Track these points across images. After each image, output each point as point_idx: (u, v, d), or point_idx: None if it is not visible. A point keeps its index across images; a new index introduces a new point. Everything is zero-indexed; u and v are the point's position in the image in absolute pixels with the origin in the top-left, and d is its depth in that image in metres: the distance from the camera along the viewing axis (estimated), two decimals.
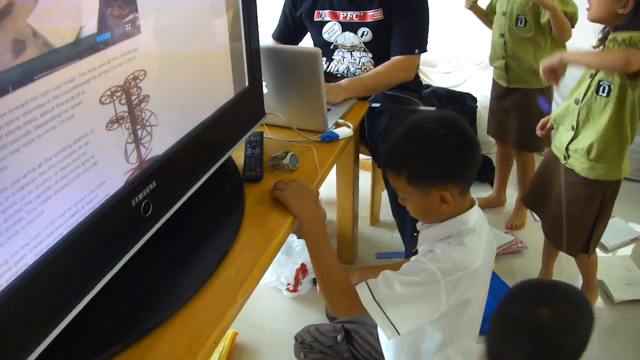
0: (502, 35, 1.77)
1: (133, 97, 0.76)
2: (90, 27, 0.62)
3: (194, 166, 0.94)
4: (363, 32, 1.56)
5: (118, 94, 0.72)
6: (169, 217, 0.86)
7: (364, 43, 1.58)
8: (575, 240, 1.43)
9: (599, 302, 1.65)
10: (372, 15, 1.52)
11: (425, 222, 0.98)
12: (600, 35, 1.30)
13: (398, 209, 1.58)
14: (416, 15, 1.51)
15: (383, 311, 0.92)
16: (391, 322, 0.92)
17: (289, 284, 1.59)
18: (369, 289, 0.93)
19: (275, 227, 0.95)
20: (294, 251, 1.67)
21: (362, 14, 1.54)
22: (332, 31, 1.60)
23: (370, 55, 1.59)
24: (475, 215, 0.95)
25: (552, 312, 0.71)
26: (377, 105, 1.55)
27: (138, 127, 0.78)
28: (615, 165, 1.33)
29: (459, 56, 2.88)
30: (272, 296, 1.67)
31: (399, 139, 0.94)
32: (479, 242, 0.94)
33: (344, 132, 1.28)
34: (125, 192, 0.76)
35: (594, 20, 1.27)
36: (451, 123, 0.91)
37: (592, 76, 1.30)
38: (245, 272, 0.84)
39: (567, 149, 1.38)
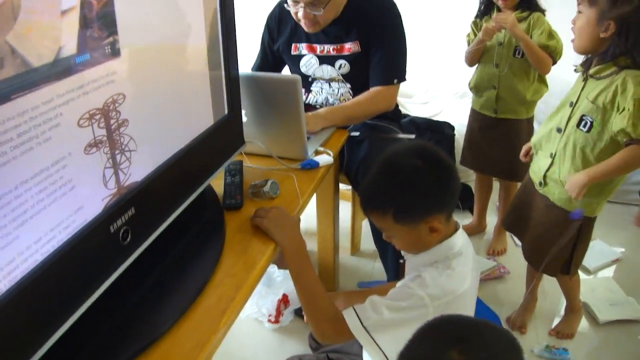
0: (497, 66, 1.77)
1: (112, 121, 0.75)
2: (70, 47, 0.62)
3: (173, 193, 0.93)
4: (340, 64, 1.59)
5: (97, 117, 0.71)
6: (149, 245, 0.84)
7: (341, 75, 1.61)
8: (554, 261, 1.44)
9: (583, 324, 1.66)
10: (349, 48, 1.56)
11: (413, 252, 0.98)
12: (581, 62, 1.32)
13: (379, 238, 1.57)
14: (394, 45, 1.54)
15: (371, 337, 0.90)
16: (379, 348, 0.91)
17: (270, 315, 1.55)
18: (357, 314, 0.92)
19: (257, 255, 0.94)
20: (275, 282, 1.65)
21: (339, 47, 1.57)
22: (309, 64, 1.63)
23: (348, 86, 1.62)
24: (460, 238, 0.96)
25: (464, 357, 0.58)
26: (357, 134, 1.57)
27: (117, 152, 0.77)
28: (593, 203, 1.34)
29: (435, 86, 2.96)
30: (253, 328, 1.62)
31: (377, 179, 0.94)
32: (466, 265, 0.94)
33: (324, 159, 1.28)
34: (104, 218, 0.74)
35: (579, 51, 1.29)
36: (426, 153, 0.92)
37: (573, 105, 1.31)
38: (227, 300, 0.81)
39: (544, 176, 1.40)
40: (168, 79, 0.90)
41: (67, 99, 0.64)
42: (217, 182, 1.14)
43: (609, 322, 1.64)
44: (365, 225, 2.04)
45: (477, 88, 1.87)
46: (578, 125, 1.29)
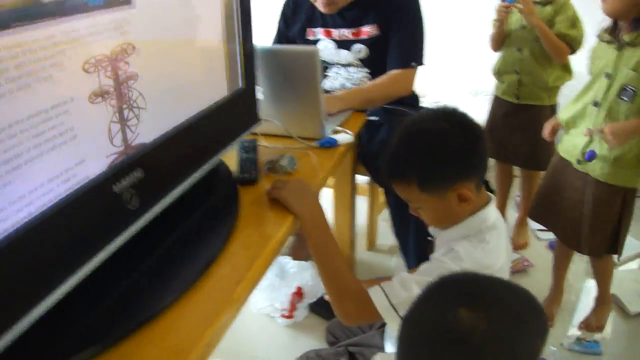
0: (520, 50, 1.71)
1: (120, 72, 0.69)
2: None
3: (184, 162, 0.86)
4: (359, 49, 1.53)
5: (104, 64, 0.65)
6: (158, 217, 0.77)
7: (359, 60, 1.55)
8: (599, 241, 1.36)
9: (613, 316, 1.58)
10: (368, 31, 1.50)
11: (443, 227, 0.90)
12: (604, 26, 1.26)
13: (400, 228, 1.50)
14: (412, 28, 1.48)
15: (400, 317, 0.83)
16: None
17: (283, 310, 1.47)
18: (384, 292, 0.84)
19: (273, 226, 0.86)
20: (288, 274, 1.57)
21: (356, 30, 1.51)
22: (326, 49, 1.57)
23: (366, 70, 1.56)
24: (493, 211, 0.88)
25: (477, 315, 0.50)
26: (375, 118, 1.50)
27: (125, 106, 0.71)
28: (634, 173, 1.28)
29: (447, 84, 2.89)
30: (265, 325, 1.54)
31: (400, 145, 0.86)
32: (500, 240, 0.86)
33: (344, 138, 1.22)
34: (108, 176, 0.67)
35: (610, 14, 1.23)
36: (452, 116, 0.85)
37: (609, 76, 1.25)
38: (242, 270, 0.74)
39: (582, 153, 1.32)
40: (181, 40, 0.84)
41: (73, 38, 0.59)
42: (231, 161, 1.08)
43: (639, 314, 1.58)
44: (382, 220, 1.97)
45: (499, 73, 1.81)
46: (619, 95, 1.22)
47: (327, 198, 2.27)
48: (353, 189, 1.61)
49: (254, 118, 1.12)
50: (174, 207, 0.82)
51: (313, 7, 1.50)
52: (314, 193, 0.96)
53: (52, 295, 0.58)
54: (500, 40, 1.75)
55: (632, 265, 1.83)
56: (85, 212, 0.64)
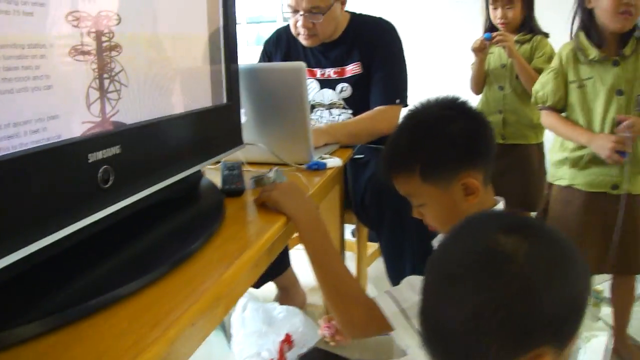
0: (502, 88, 1.76)
1: (103, 38, 0.65)
2: None
3: (163, 157, 0.80)
4: (342, 87, 1.55)
5: (87, 23, 0.62)
6: (139, 211, 0.70)
7: (343, 99, 1.56)
8: (632, 255, 1.34)
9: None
10: (351, 70, 1.54)
11: (449, 229, 0.84)
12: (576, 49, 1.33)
13: (395, 263, 1.41)
14: (395, 66, 1.52)
15: (410, 323, 0.73)
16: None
17: None
18: (392, 297, 0.75)
19: (265, 224, 0.78)
20: (276, 320, 1.42)
21: (340, 70, 1.55)
22: (309, 89, 1.59)
23: (350, 111, 1.57)
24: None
25: (516, 238, 0.45)
26: (361, 156, 1.48)
27: (105, 75, 0.66)
28: None
29: None
30: None
31: (400, 135, 0.84)
32: None
33: (332, 161, 1.17)
34: (82, 142, 0.61)
35: (624, 29, 1.27)
36: (455, 103, 0.83)
37: (621, 92, 1.29)
38: (231, 257, 0.65)
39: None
40: (168, 28, 0.82)
41: None
42: (214, 179, 1.01)
43: None
44: (370, 270, 1.87)
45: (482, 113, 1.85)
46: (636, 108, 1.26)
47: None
48: (342, 234, 1.53)
49: (237, 139, 1.08)
50: (155, 207, 0.75)
51: (296, 47, 1.54)
52: (308, 196, 0.89)
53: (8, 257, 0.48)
54: (481, 80, 1.81)
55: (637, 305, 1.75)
56: (54, 174, 0.56)
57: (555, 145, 1.47)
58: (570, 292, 0.45)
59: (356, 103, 1.55)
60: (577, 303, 0.46)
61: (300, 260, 1.86)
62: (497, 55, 1.80)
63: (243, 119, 1.14)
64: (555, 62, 1.42)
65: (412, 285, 0.76)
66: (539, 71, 1.66)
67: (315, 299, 1.88)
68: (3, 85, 0.50)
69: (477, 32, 1.85)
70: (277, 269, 1.67)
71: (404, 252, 1.36)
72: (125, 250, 0.65)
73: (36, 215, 0.53)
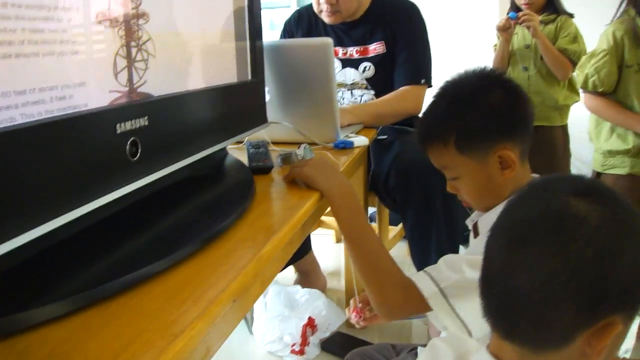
0: (526, 69, 1.71)
1: (131, 4, 0.62)
2: None
3: (189, 132, 0.77)
4: (365, 67, 1.50)
5: None
6: (169, 187, 0.68)
7: (365, 79, 1.52)
8: None
9: None
10: (374, 49, 1.49)
11: (484, 205, 0.80)
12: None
13: (420, 246, 1.37)
14: (420, 45, 1.48)
15: (449, 303, 0.70)
16: (459, 317, 0.70)
17: (294, 345, 1.29)
18: (430, 276, 0.72)
19: (298, 200, 0.75)
20: (299, 304, 1.39)
21: (362, 49, 1.50)
22: None
23: (372, 92, 1.52)
24: None
25: (588, 201, 0.42)
26: (384, 137, 1.43)
27: (133, 43, 0.63)
28: None
29: None
30: None
31: (435, 105, 0.81)
32: None
33: (359, 140, 1.13)
34: (111, 112, 0.58)
35: None
36: (493, 75, 0.80)
37: None
38: (267, 234, 0.62)
39: None
40: (195, 3, 0.79)
41: None
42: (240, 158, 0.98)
43: None
44: (394, 252, 1.84)
45: None
46: None
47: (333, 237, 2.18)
48: (366, 216, 1.50)
49: (262, 117, 1.05)
50: (184, 185, 0.72)
51: (317, 26, 1.49)
52: (340, 171, 0.86)
53: (36, 230, 0.45)
54: (506, 61, 1.75)
55: None
56: (82, 144, 0.53)
57: (604, 133, 1.41)
58: None
59: (379, 83, 1.51)
60: None
61: (320, 245, 1.83)
62: (521, 36, 1.75)
63: (267, 97, 1.10)
64: (607, 44, 1.35)
65: (451, 264, 0.73)
66: (563, 51, 1.60)
67: (335, 283, 1.86)
68: (29, 48, 0.47)
69: (501, 13, 1.80)
70: (299, 252, 1.65)
71: (430, 234, 1.32)
72: (157, 226, 0.62)
73: (65, 187, 0.50)
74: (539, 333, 0.44)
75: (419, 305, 0.72)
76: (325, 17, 1.45)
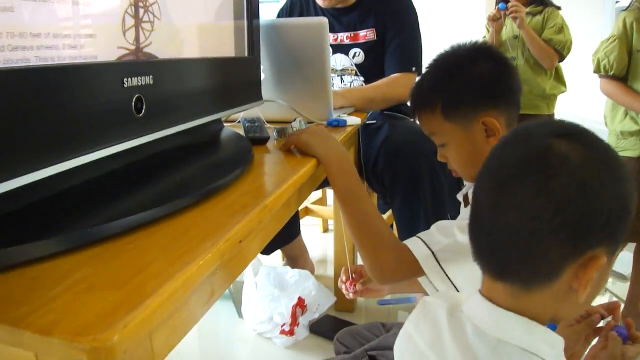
0: (514, 59, 1.76)
1: None
2: None
3: (190, 98, 0.79)
4: (355, 52, 1.53)
5: None
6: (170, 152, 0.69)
7: (355, 65, 1.55)
8: None
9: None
10: (365, 35, 1.52)
11: (471, 174, 0.83)
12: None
13: (408, 232, 1.40)
14: (411, 33, 1.51)
15: (441, 266, 0.73)
16: (450, 280, 0.73)
17: (284, 325, 1.30)
18: (423, 240, 0.75)
19: (296, 165, 0.77)
20: (288, 284, 1.41)
21: (353, 35, 1.53)
22: None
23: (361, 79, 1.55)
24: None
25: (569, 141, 0.45)
26: (373, 121, 1.46)
27: (140, 4, 0.65)
28: None
29: None
30: (261, 349, 1.35)
31: (427, 73, 0.83)
32: None
33: (352, 119, 1.16)
34: (119, 66, 0.59)
35: None
36: (483, 48, 0.82)
37: None
38: (267, 189, 0.64)
39: None
40: None
41: None
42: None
43: None
44: None
45: None
46: None
47: (326, 225, 2.19)
48: None
49: (257, 94, 1.07)
50: (186, 149, 0.74)
51: (309, 12, 1.52)
52: (336, 139, 0.88)
53: (37, 173, 0.46)
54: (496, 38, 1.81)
55: None
56: (92, 92, 0.54)
57: (619, 115, 1.46)
58: (622, 194, 0.45)
59: (368, 70, 1.53)
60: (628, 205, 0.46)
61: (308, 235, 1.86)
62: (509, 27, 1.80)
63: (262, 76, 1.12)
64: (617, 30, 1.41)
65: (442, 229, 0.76)
66: (548, 42, 1.66)
67: (323, 270, 1.88)
68: None
69: (488, 3, 1.85)
70: (288, 235, 1.67)
71: (418, 217, 1.35)
72: (162, 180, 0.63)
73: (75, 131, 0.52)
74: (527, 268, 0.47)
75: (411, 269, 0.75)
76: (321, 0, 1.47)
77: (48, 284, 0.40)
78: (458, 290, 0.73)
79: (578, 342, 0.67)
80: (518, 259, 0.47)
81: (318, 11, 1.55)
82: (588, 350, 0.68)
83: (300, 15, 1.57)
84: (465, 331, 0.51)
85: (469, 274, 0.68)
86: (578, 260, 0.45)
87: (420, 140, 1.26)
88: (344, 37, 1.54)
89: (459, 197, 0.91)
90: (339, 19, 1.52)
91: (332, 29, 1.54)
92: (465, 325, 0.52)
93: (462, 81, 0.77)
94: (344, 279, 1.02)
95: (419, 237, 0.77)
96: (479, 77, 0.77)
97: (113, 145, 0.57)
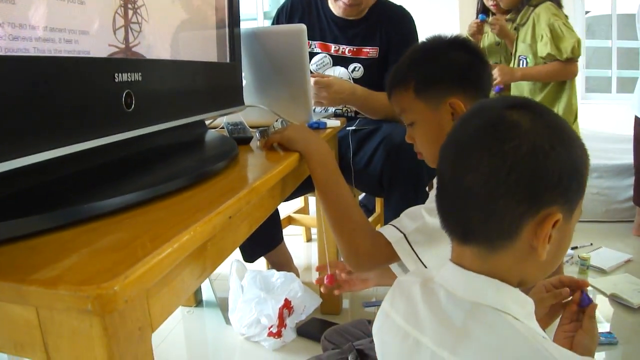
0: (497, 64, 1.78)
1: None
2: None
3: (176, 97, 0.82)
4: (355, 67, 1.56)
5: None
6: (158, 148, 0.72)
7: (353, 79, 1.56)
8: None
9: (618, 311, 1.59)
10: (367, 52, 1.55)
11: (436, 155, 0.88)
12: None
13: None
14: None
15: (412, 249, 0.77)
16: (424, 265, 0.77)
17: (271, 327, 1.32)
18: (394, 226, 0.79)
19: (279, 159, 0.81)
20: (274, 286, 1.43)
21: (355, 49, 1.55)
22: (321, 63, 1.58)
23: None
24: None
25: (521, 111, 0.50)
26: (364, 127, 1.49)
27: (129, 5, 0.69)
28: None
29: None
30: (249, 352, 1.36)
31: (404, 57, 0.89)
32: None
33: (331, 122, 1.21)
34: (109, 63, 0.63)
35: None
36: (460, 40, 0.87)
37: None
38: (253, 176, 0.68)
39: None
40: None
41: None
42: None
43: None
44: None
45: None
46: None
47: (307, 231, 2.21)
48: None
49: (239, 99, 1.11)
50: (173, 145, 0.77)
51: (311, 18, 1.55)
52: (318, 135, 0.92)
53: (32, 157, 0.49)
54: (509, 41, 1.82)
55: (619, 272, 1.85)
56: (85, 84, 0.58)
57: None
58: (571, 157, 0.50)
59: (365, 85, 1.53)
60: (579, 167, 0.51)
61: (291, 245, 1.88)
62: (491, 34, 1.87)
63: (243, 82, 1.16)
64: None
65: (411, 214, 0.80)
66: (546, 58, 1.70)
67: (307, 277, 1.90)
68: None
69: (462, 13, 1.93)
70: (270, 242, 1.68)
71: None
72: (156, 166, 0.67)
73: (68, 120, 0.55)
74: (488, 227, 0.51)
75: (386, 254, 0.79)
76: (341, 7, 1.49)
77: (50, 251, 0.42)
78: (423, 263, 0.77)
79: (543, 310, 0.71)
80: (479, 219, 0.51)
81: (322, 19, 1.57)
82: (561, 331, 0.70)
83: (301, 20, 1.59)
84: (439, 299, 0.54)
85: (439, 256, 0.72)
86: (535, 218, 0.49)
87: None
88: (345, 49, 1.56)
89: (429, 189, 0.96)
90: (345, 31, 1.55)
91: (335, 40, 1.57)
92: (439, 293, 0.54)
93: (436, 63, 0.82)
94: (325, 277, 1.06)
95: (391, 224, 0.81)
96: (453, 61, 0.82)
97: (106, 136, 0.60)
